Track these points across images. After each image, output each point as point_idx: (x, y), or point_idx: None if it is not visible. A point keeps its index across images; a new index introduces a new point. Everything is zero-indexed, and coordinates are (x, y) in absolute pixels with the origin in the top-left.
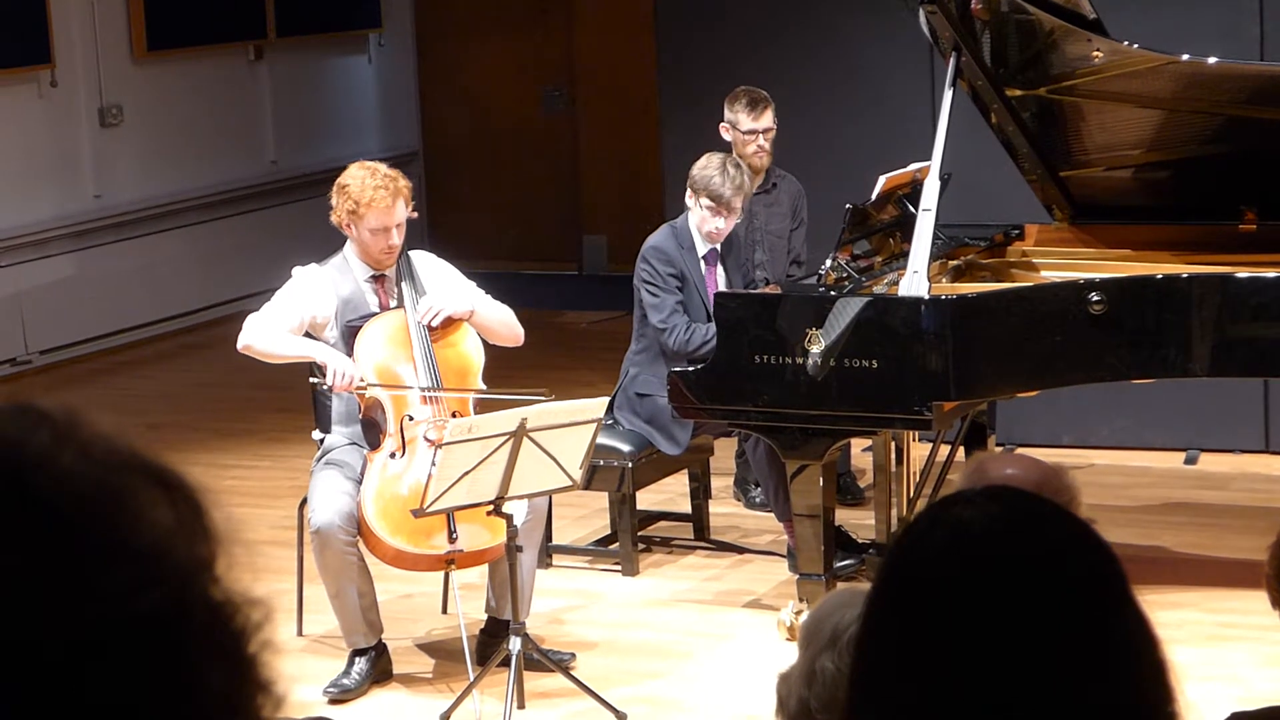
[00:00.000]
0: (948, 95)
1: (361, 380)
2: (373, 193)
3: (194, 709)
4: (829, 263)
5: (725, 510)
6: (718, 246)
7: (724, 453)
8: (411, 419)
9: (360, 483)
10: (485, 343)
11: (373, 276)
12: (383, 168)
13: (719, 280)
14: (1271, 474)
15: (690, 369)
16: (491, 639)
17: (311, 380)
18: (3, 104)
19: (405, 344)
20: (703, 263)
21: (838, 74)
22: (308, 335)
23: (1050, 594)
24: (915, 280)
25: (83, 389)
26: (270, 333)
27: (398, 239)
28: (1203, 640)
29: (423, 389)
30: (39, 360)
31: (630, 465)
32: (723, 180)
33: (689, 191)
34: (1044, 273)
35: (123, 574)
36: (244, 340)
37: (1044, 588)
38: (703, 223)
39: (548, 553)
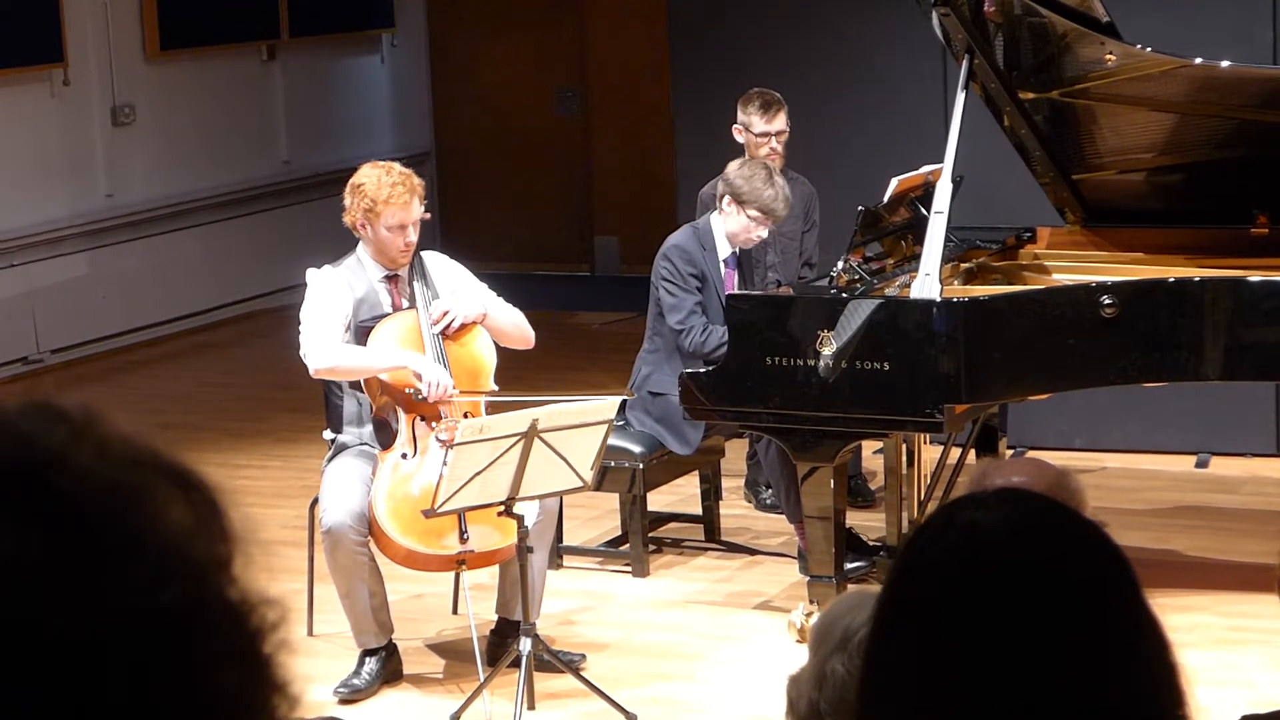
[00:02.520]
0: (960, 98)
1: (454, 392)
2: (390, 189)
3: (208, 707)
4: (841, 265)
5: (736, 512)
6: (738, 251)
7: (735, 454)
8: (423, 419)
9: (372, 483)
10: (496, 344)
11: (386, 276)
12: (397, 165)
13: (735, 285)
14: None
15: (702, 370)
16: (502, 639)
17: (407, 390)
18: (15, 103)
19: (418, 344)
20: (723, 265)
21: (850, 76)
22: None
23: (1062, 597)
24: (927, 283)
25: (94, 388)
26: (342, 350)
27: (414, 236)
28: (1214, 644)
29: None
30: (51, 359)
31: (641, 466)
32: (775, 194)
33: (728, 198)
34: (1056, 276)
35: (139, 571)
36: (323, 363)
37: (1055, 590)
38: (744, 230)
39: (558, 553)
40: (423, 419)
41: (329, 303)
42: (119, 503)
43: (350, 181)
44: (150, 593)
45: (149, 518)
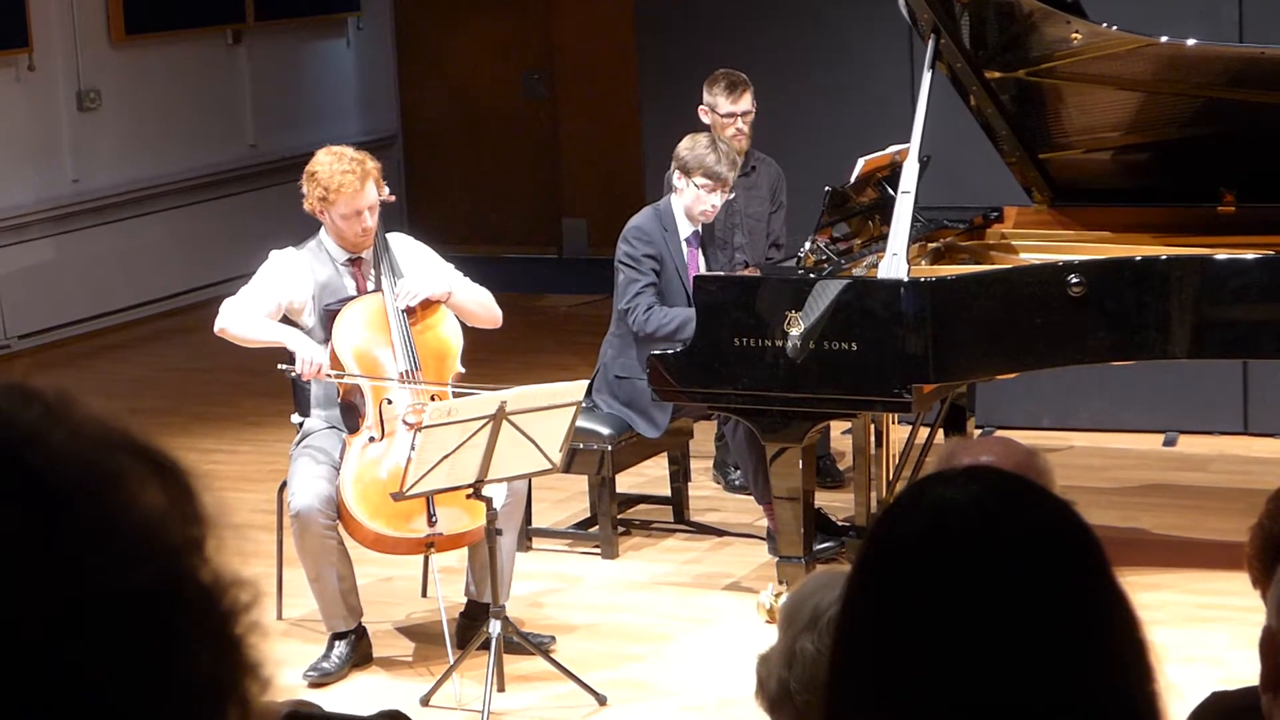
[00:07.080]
0: (927, 77)
1: (330, 371)
2: (340, 178)
3: (181, 689)
4: (808, 245)
5: (705, 493)
6: (699, 229)
7: (704, 435)
8: (390, 403)
9: (339, 467)
10: (464, 326)
11: (349, 260)
12: (350, 151)
13: (699, 263)
14: (1250, 455)
15: (670, 352)
16: (471, 622)
17: (280, 367)
18: None
19: (383, 328)
20: (685, 245)
21: (817, 57)
22: (286, 320)
23: (1031, 574)
24: (894, 263)
25: (62, 373)
26: (246, 317)
27: (371, 221)
28: (1183, 621)
29: (401, 373)
30: (18, 345)
31: (610, 448)
32: (717, 157)
33: (677, 174)
34: (1023, 255)
35: (113, 552)
36: (220, 323)
37: (1025, 568)
38: (697, 202)
39: (527, 536)
40: (390, 401)
41: (270, 281)
42: (95, 483)
43: (306, 168)
44: (125, 573)
45: (124, 499)
